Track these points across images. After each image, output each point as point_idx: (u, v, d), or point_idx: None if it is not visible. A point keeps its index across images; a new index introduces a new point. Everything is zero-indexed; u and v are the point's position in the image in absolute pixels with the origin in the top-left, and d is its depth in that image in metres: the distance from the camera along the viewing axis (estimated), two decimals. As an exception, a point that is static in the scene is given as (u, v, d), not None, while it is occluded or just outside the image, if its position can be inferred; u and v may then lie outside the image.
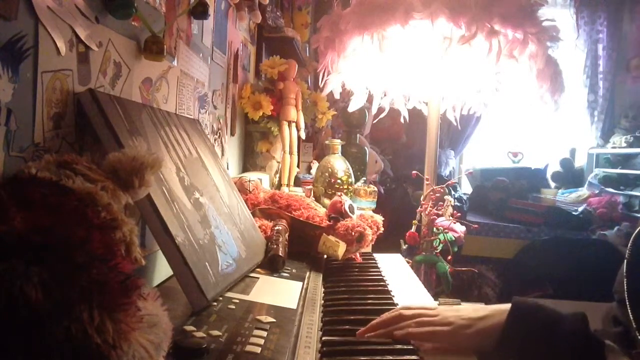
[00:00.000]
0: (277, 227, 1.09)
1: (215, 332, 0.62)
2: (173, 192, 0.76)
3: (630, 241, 0.81)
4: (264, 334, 0.64)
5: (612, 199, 3.65)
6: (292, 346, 0.65)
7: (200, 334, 0.61)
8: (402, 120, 1.58)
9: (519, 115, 3.74)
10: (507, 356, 0.71)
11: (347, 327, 0.76)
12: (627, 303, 0.77)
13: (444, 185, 1.41)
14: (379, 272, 1.11)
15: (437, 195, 1.39)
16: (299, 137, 1.73)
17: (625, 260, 0.81)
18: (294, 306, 0.78)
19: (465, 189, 4.24)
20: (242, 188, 1.28)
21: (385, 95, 1.52)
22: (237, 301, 0.75)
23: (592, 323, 0.85)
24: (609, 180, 3.88)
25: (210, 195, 0.90)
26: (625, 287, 0.78)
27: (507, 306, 0.74)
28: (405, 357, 0.66)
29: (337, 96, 1.53)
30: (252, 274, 0.91)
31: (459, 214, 1.38)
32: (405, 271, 1.17)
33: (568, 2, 4.20)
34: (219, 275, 0.76)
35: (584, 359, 0.69)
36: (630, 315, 0.76)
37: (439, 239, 1.35)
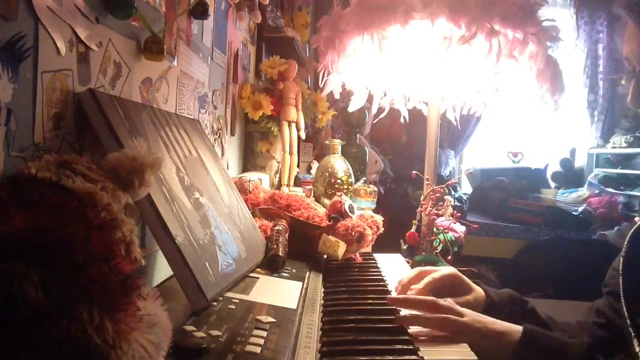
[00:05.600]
0: (277, 227, 1.09)
1: (215, 332, 0.62)
2: (173, 192, 0.76)
3: (627, 238, 0.82)
4: (264, 334, 0.64)
5: (612, 199, 3.65)
6: (292, 346, 0.65)
7: (200, 334, 0.61)
8: (402, 120, 1.58)
9: (519, 115, 3.74)
10: None
11: (347, 327, 0.76)
12: (622, 299, 0.78)
13: (444, 185, 1.41)
14: (379, 272, 1.11)
15: (437, 195, 1.38)
16: (299, 137, 1.73)
17: (621, 258, 0.82)
18: (294, 306, 0.78)
19: (465, 189, 4.24)
20: (242, 188, 1.28)
21: (385, 95, 1.52)
22: (237, 301, 0.75)
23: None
24: (609, 180, 3.88)
25: (210, 195, 0.90)
26: (620, 284, 0.79)
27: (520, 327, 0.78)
28: (405, 357, 0.66)
29: (337, 96, 1.53)
30: (252, 274, 0.91)
31: (459, 214, 1.38)
32: (405, 271, 1.17)
33: (568, 2, 4.19)
34: (219, 275, 0.76)
35: None
36: (625, 311, 0.77)
37: (439, 239, 1.35)
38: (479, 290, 0.96)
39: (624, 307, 0.77)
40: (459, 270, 0.99)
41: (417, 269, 1.01)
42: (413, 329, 0.76)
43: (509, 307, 0.91)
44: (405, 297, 0.82)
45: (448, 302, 0.82)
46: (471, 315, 0.79)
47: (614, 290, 0.84)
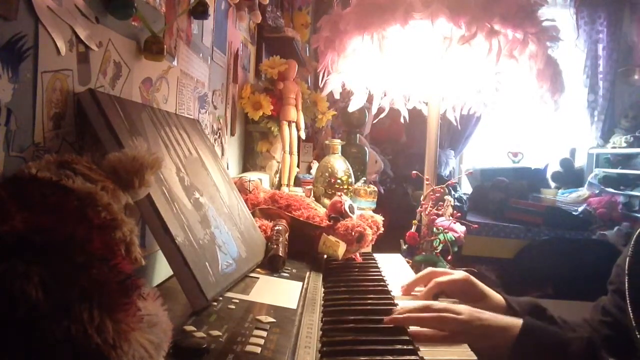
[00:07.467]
0: (277, 227, 1.09)
1: (215, 332, 0.62)
2: (173, 192, 0.76)
3: (634, 238, 0.82)
4: (264, 334, 0.64)
5: (612, 199, 3.66)
6: (292, 346, 0.65)
7: (200, 334, 0.61)
8: (402, 120, 1.58)
9: (519, 115, 3.74)
10: None
11: (347, 327, 0.76)
12: (628, 303, 0.78)
13: (444, 185, 1.41)
14: (379, 272, 1.11)
15: (437, 195, 1.39)
16: (299, 137, 1.72)
17: (627, 258, 0.81)
18: (294, 306, 0.78)
19: (465, 189, 4.24)
20: (242, 188, 1.28)
21: (385, 95, 1.52)
22: (237, 301, 0.75)
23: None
24: (609, 180, 3.88)
25: (210, 195, 0.90)
26: (626, 284, 0.79)
27: (521, 321, 0.76)
28: (405, 357, 0.66)
29: (337, 96, 1.53)
30: (252, 274, 0.91)
31: (459, 214, 1.38)
32: (405, 271, 1.17)
33: (568, 2, 4.20)
34: (219, 275, 0.76)
35: None
36: (630, 313, 0.76)
37: (439, 239, 1.35)
38: (496, 298, 0.93)
39: (630, 308, 0.77)
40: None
41: (429, 269, 0.99)
42: (413, 329, 0.76)
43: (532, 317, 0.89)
44: (405, 317, 0.77)
45: (444, 304, 0.80)
46: (469, 312, 0.77)
47: (619, 288, 0.83)
